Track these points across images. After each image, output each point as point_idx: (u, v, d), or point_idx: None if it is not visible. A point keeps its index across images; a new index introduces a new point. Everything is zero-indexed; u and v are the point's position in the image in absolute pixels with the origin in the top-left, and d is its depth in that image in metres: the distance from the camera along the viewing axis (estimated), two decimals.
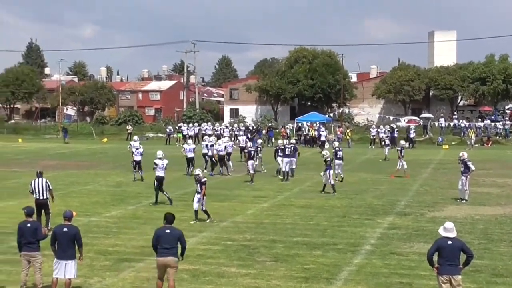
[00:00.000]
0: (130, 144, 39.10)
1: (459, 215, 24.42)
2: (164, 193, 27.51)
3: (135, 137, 42.15)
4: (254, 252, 18.79)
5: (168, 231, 14.02)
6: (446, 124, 75.72)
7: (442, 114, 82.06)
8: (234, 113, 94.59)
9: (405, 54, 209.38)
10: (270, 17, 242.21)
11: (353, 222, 23.56)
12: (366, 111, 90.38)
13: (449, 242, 13.15)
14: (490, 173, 39.59)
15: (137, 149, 36.20)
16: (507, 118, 78.65)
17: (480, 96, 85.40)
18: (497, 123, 74.90)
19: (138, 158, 35.47)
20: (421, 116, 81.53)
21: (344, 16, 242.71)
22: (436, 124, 76.05)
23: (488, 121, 75.59)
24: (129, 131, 74.92)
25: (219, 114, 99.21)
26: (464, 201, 27.80)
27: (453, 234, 13.32)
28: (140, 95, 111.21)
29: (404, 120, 79.30)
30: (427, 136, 71.36)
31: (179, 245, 14.11)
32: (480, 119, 78.85)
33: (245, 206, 27.06)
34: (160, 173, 27.80)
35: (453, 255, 13.05)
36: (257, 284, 15.55)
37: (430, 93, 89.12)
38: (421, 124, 76.88)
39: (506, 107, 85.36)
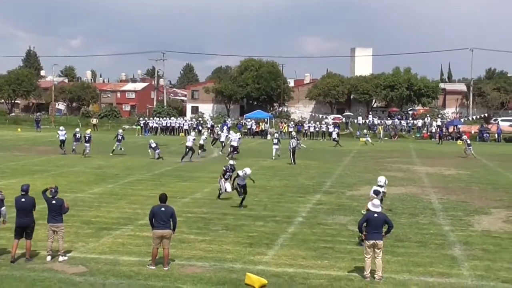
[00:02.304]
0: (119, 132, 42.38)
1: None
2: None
3: (120, 130, 44.70)
4: (209, 222, 18.75)
5: (163, 209, 13.80)
6: (363, 121, 76.52)
7: (360, 113, 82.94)
8: (195, 110, 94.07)
9: (332, 65, 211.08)
10: (226, 32, 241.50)
11: (288, 199, 23.65)
12: (301, 110, 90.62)
13: (375, 215, 13.38)
14: (396, 161, 40.13)
15: (121, 135, 41.96)
16: (410, 117, 79.78)
17: (390, 99, 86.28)
18: (402, 121, 75.93)
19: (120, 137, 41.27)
20: (344, 114, 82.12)
21: (284, 34, 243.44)
22: (355, 121, 76.79)
23: (396, 120, 76.57)
24: (93, 123, 74.78)
25: (183, 111, 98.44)
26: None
27: (379, 209, 13.58)
28: (118, 94, 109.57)
29: (331, 118, 79.73)
30: (348, 130, 72.04)
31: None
32: (389, 118, 79.76)
33: (203, 185, 26.92)
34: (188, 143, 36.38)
35: (377, 225, 13.26)
36: (211, 248, 15.53)
37: (351, 97, 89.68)
38: (344, 121, 77.50)
39: (409, 109, 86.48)
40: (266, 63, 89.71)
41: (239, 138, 41.11)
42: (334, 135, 45.12)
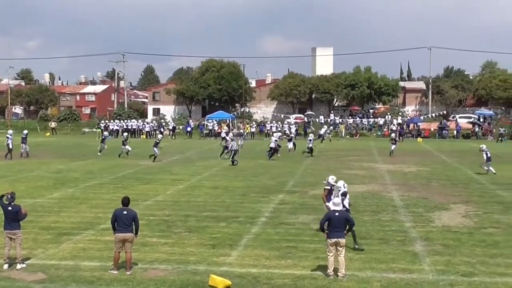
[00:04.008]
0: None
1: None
2: None
3: (106, 133, 47.44)
4: (172, 225, 18.64)
5: (125, 212, 13.63)
6: (325, 120, 77.01)
7: (321, 113, 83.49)
8: (156, 112, 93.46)
9: (293, 65, 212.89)
10: (187, 33, 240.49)
11: (251, 199, 23.64)
12: (263, 110, 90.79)
13: (336, 214, 13.48)
14: (358, 159, 40.50)
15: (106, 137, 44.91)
16: (371, 116, 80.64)
17: (351, 98, 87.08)
18: (363, 120, 76.72)
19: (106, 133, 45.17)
20: (306, 114, 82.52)
21: (245, 34, 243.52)
22: (317, 120, 77.23)
23: (357, 118, 77.31)
24: (52, 126, 74.15)
25: (144, 113, 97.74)
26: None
27: (339, 208, 13.71)
28: (78, 97, 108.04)
29: (293, 117, 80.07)
30: (309, 130, 72.41)
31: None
32: (351, 117, 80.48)
33: (165, 187, 26.76)
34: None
35: (339, 224, 13.36)
36: (174, 251, 15.44)
37: (313, 96, 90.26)
38: (306, 120, 77.89)
39: (370, 108, 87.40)
40: (228, 64, 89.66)
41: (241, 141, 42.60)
42: (310, 144, 44.10)
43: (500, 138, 62.33)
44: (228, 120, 73.10)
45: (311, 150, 42.00)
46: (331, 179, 17.59)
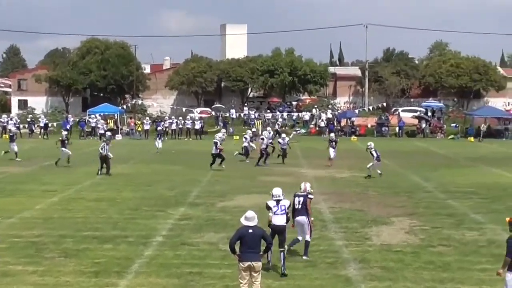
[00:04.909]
0: None
1: (247, 204, 24.62)
2: None
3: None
4: (43, 248, 18.23)
5: None
6: (237, 115, 77.43)
7: (233, 105, 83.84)
8: (23, 104, 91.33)
9: (198, 46, 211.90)
10: (62, 5, 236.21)
11: (145, 214, 23.48)
12: (160, 103, 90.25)
13: (250, 230, 13.51)
14: (279, 163, 40.73)
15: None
16: (294, 110, 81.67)
17: (269, 88, 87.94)
18: (285, 114, 77.53)
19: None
20: (213, 107, 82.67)
21: (138, 7, 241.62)
22: (227, 114, 77.54)
23: (277, 112, 78.05)
24: None
25: (7, 106, 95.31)
26: None
27: (253, 223, 13.71)
28: None
29: (197, 111, 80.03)
30: (219, 127, 72.61)
31: None
32: (269, 110, 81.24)
33: (34, 200, 26.15)
34: None
35: (253, 243, 13.41)
36: (45, 281, 15.09)
37: (222, 85, 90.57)
38: (213, 115, 78.06)
39: (293, 100, 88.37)
40: (114, 44, 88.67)
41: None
42: (245, 143, 43.66)
43: (480, 137, 64.32)
44: (116, 115, 72.26)
45: (245, 150, 42.15)
46: (308, 186, 18.19)
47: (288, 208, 16.68)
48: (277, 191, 16.96)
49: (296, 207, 17.42)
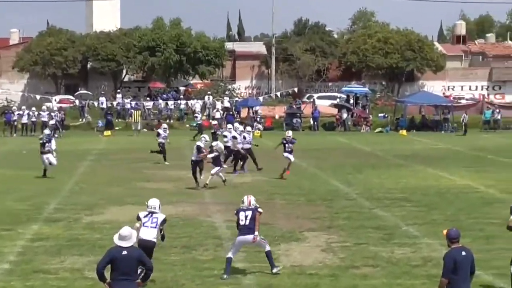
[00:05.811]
0: None
1: (122, 218, 24.38)
2: None
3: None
4: None
5: None
6: (109, 104, 76.63)
7: (103, 92, 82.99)
8: None
9: (56, 16, 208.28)
10: None
11: None
12: (6, 89, 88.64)
13: (124, 252, 13.46)
14: (162, 165, 40.68)
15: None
16: (181, 97, 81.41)
17: (150, 69, 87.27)
18: (169, 103, 77.09)
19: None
20: (77, 94, 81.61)
21: None
22: (96, 104, 76.73)
23: (160, 101, 77.57)
24: None
25: None
26: None
27: (129, 243, 13.68)
28: None
29: (55, 100, 78.90)
30: (84, 120, 71.90)
31: None
32: (150, 98, 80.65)
33: None
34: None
35: (128, 268, 13.38)
36: None
37: (88, 66, 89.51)
38: (77, 104, 77.08)
39: (182, 86, 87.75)
40: None
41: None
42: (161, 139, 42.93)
43: (464, 130, 64.75)
44: None
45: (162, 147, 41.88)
46: (253, 199, 18.48)
47: (162, 224, 17.06)
48: (153, 202, 17.27)
49: (242, 223, 17.90)
